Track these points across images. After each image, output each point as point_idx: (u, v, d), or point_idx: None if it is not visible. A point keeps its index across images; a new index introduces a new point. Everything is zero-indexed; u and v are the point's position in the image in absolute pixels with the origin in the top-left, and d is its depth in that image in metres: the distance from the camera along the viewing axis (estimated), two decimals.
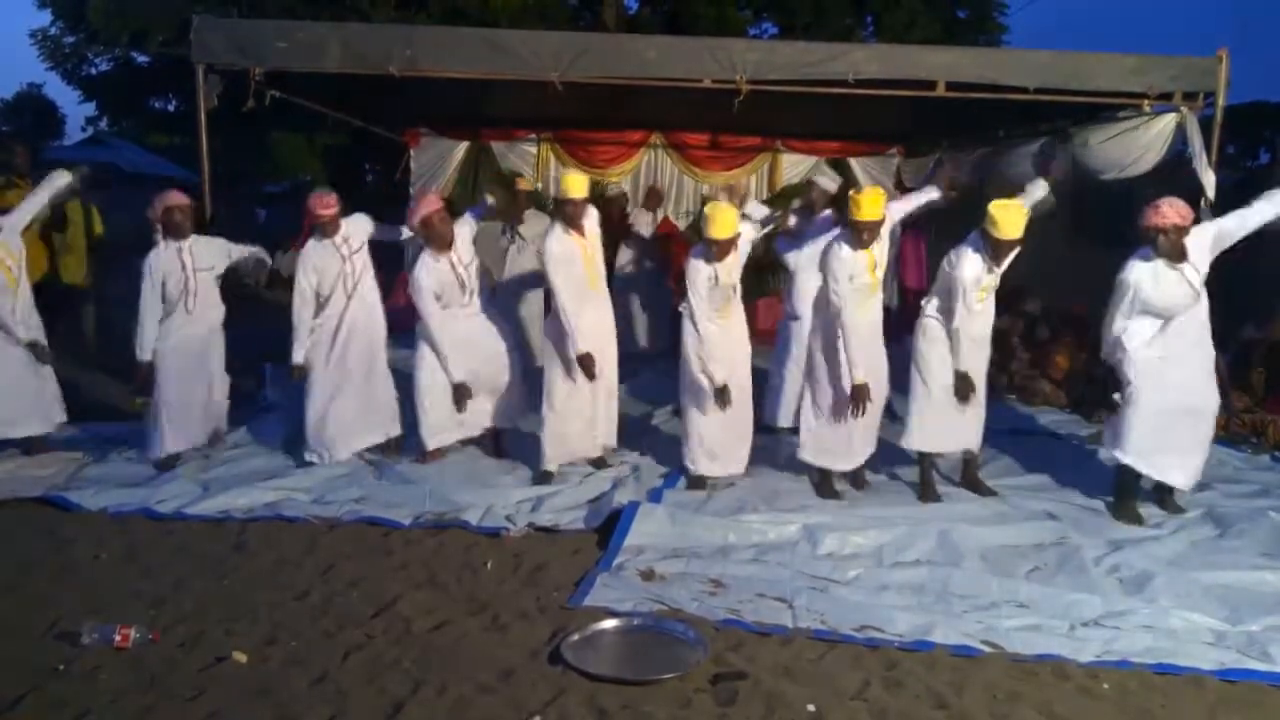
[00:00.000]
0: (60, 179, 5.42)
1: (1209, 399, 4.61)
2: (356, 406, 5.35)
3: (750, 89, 6.07)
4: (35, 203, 5.36)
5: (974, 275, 4.61)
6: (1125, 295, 4.51)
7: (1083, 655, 3.25)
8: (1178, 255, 4.42)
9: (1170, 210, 4.41)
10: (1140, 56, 6.16)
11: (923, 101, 6.37)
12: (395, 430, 5.50)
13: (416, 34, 6.43)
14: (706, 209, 4.74)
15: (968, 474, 5.05)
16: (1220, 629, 3.49)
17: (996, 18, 14.87)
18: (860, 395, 4.64)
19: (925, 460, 4.95)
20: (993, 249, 4.54)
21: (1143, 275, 4.48)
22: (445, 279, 5.13)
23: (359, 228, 5.35)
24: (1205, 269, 4.50)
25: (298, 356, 5.21)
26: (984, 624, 3.47)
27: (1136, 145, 6.41)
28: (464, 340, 5.20)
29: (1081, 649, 3.29)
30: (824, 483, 4.94)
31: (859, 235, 4.56)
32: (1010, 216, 4.48)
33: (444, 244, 5.10)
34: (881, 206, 4.56)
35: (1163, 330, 4.55)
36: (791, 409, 5.57)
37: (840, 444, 4.87)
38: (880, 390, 4.86)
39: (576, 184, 4.88)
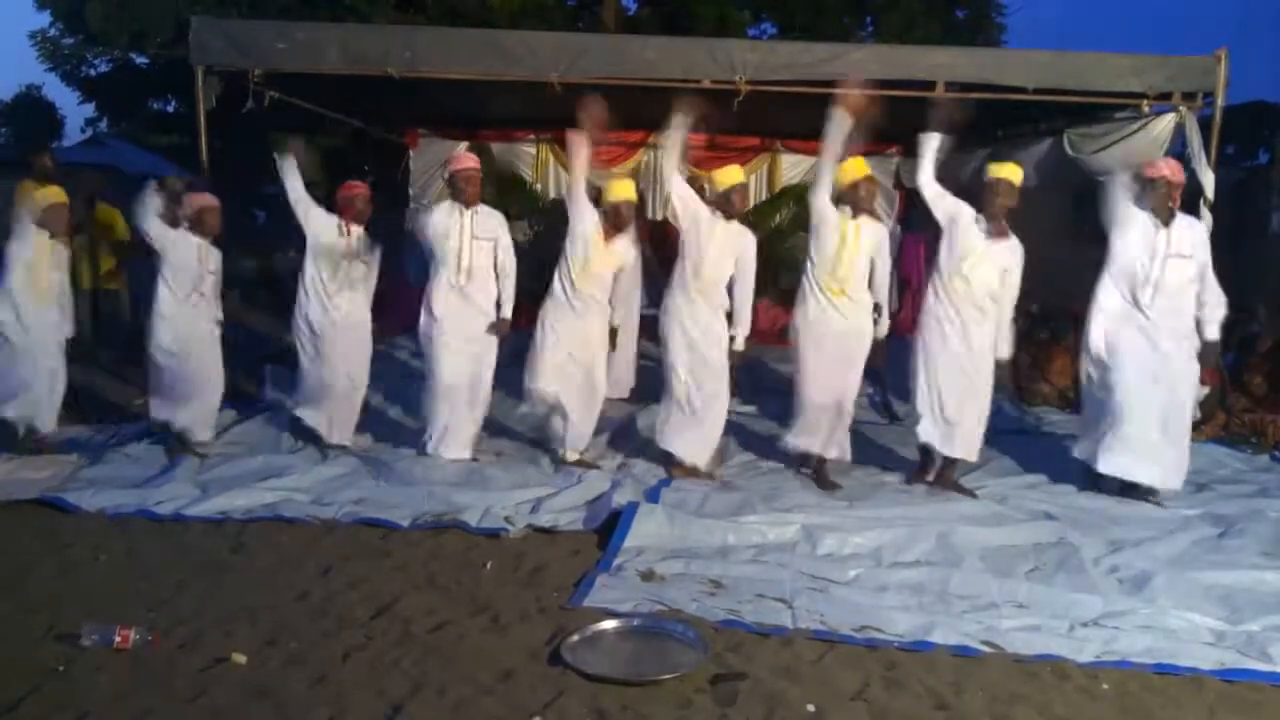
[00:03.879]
0: None
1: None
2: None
3: (749, 89, 6.07)
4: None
5: (955, 210, 4.81)
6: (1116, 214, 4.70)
7: (1082, 655, 3.25)
8: (1163, 208, 4.61)
9: (1163, 164, 4.71)
10: (1139, 56, 6.18)
11: (922, 102, 6.36)
12: None
13: (415, 35, 6.45)
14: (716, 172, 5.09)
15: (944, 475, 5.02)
16: (1220, 629, 3.49)
17: (995, 18, 14.89)
18: None
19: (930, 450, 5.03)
20: (988, 196, 4.75)
21: (1133, 214, 4.66)
22: None
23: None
24: (1194, 257, 4.64)
25: None
26: (984, 624, 3.47)
27: (1135, 146, 6.42)
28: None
29: (1081, 649, 3.29)
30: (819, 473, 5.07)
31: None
32: (1004, 167, 4.82)
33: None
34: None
35: (1135, 303, 4.66)
36: None
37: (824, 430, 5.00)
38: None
39: (622, 188, 5.11)
